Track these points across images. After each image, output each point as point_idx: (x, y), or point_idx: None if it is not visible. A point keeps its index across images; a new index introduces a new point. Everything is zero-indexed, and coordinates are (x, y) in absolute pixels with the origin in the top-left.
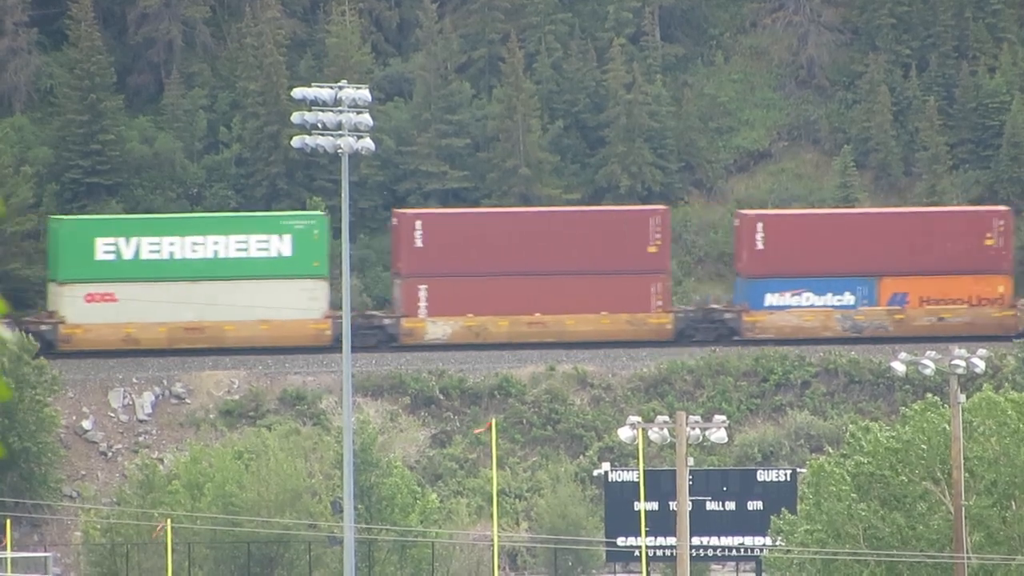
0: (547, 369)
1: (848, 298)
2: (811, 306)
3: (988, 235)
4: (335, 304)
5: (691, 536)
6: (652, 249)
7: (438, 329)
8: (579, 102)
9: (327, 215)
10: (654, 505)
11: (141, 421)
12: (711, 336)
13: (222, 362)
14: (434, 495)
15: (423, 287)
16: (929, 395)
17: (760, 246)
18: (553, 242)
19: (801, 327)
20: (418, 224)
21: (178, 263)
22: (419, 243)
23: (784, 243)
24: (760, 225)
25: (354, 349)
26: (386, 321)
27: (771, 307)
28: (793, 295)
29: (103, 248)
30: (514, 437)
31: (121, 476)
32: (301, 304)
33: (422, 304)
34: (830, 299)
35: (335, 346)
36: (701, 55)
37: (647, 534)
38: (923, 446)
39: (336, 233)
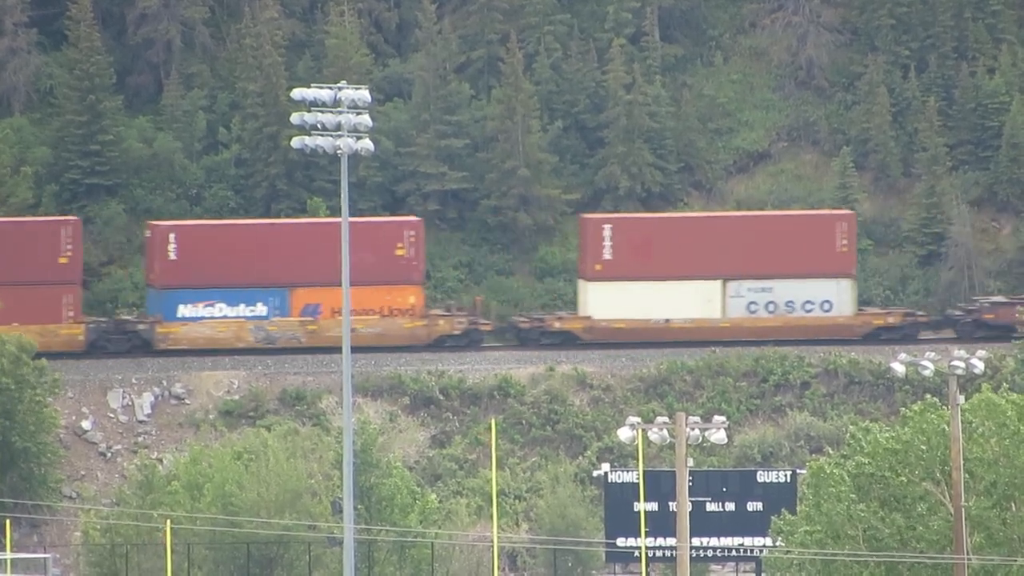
0: (546, 370)
1: (261, 309)
2: (224, 317)
3: (399, 245)
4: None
5: (691, 537)
6: (63, 260)
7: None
8: (578, 103)
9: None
10: (654, 506)
11: (140, 421)
12: (124, 347)
13: (221, 362)
14: (434, 495)
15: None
16: (928, 396)
17: (173, 256)
18: None
19: (215, 338)
20: (171, 236)
21: None
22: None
23: (197, 254)
24: (173, 236)
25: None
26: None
27: (184, 318)
28: (206, 306)
29: None
30: (513, 438)
31: (121, 477)
32: None
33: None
34: (243, 310)
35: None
36: (700, 56)
37: (647, 535)
38: (923, 447)
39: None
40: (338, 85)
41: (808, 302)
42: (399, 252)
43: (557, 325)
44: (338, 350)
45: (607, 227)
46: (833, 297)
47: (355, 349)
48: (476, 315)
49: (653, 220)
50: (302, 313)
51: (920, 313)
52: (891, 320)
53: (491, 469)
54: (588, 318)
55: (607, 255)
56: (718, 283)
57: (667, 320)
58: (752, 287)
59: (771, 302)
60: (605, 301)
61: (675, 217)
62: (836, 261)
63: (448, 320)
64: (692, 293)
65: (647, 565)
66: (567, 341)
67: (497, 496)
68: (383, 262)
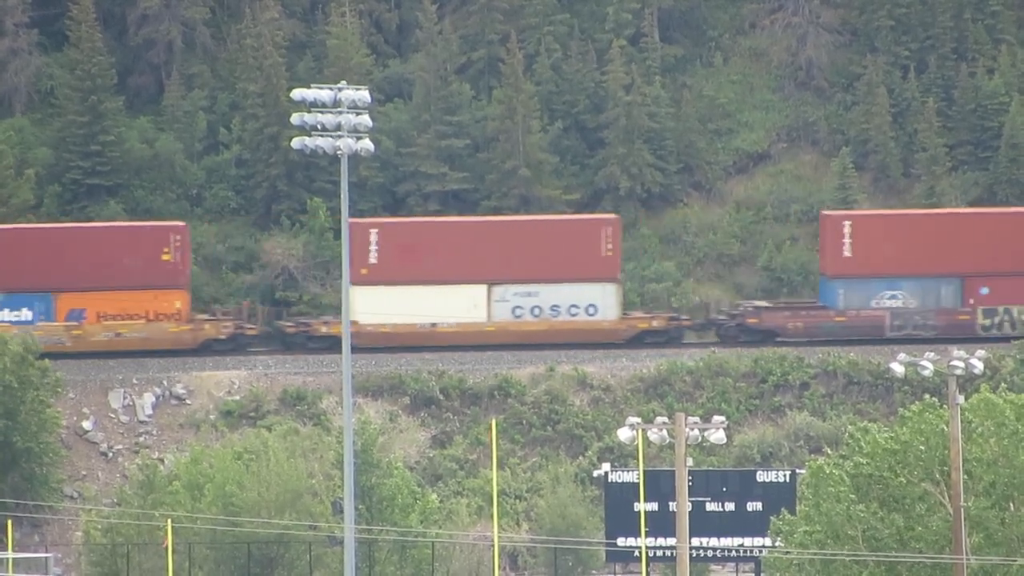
0: (547, 370)
1: (26, 314)
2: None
3: (165, 250)
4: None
5: (691, 537)
6: None
7: None
8: (578, 103)
9: None
10: (654, 506)
11: (142, 422)
12: None
13: (222, 363)
14: (434, 495)
15: None
16: (927, 396)
17: None
18: None
19: None
20: None
21: None
22: None
23: None
24: None
25: None
26: None
27: None
28: None
29: None
30: (514, 438)
31: (122, 476)
32: None
33: None
34: (7, 315)
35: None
36: (700, 56)
37: (647, 535)
38: (922, 447)
39: (337, 234)
40: (338, 86)
41: (573, 306)
42: (165, 257)
43: (323, 330)
44: (105, 355)
45: (374, 231)
46: (598, 301)
47: (121, 354)
48: (243, 319)
49: (419, 224)
50: (67, 318)
51: (684, 317)
52: (655, 324)
53: (492, 469)
54: (354, 323)
55: (373, 259)
56: (483, 288)
57: (433, 325)
58: (517, 291)
59: (536, 306)
60: (371, 305)
61: (441, 221)
62: (601, 266)
63: (214, 324)
64: (458, 298)
65: (647, 565)
66: (335, 346)
67: (498, 496)
68: (149, 267)
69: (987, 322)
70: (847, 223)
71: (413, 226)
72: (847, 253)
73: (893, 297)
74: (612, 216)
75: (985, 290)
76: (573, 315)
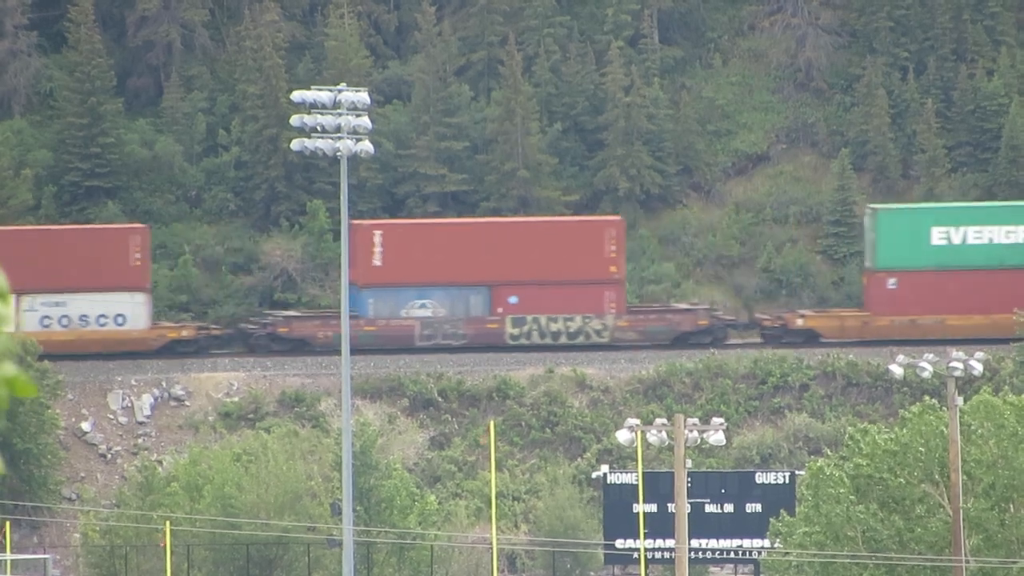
0: (546, 371)
1: None
2: None
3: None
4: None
5: (690, 538)
6: None
7: None
8: (578, 105)
9: None
10: (653, 507)
11: (140, 423)
12: None
13: (221, 364)
14: (433, 497)
15: None
16: (927, 397)
17: None
18: None
19: None
20: None
21: None
22: None
23: None
24: None
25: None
26: None
27: None
28: None
29: None
30: (512, 439)
31: (120, 478)
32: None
33: None
34: None
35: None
36: (699, 58)
37: (646, 536)
38: (921, 449)
39: (337, 236)
40: (338, 87)
41: (102, 316)
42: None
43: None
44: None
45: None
46: (127, 311)
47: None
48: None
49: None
50: None
51: (214, 327)
52: (185, 333)
53: (490, 471)
54: None
55: None
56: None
57: None
58: (45, 301)
59: (65, 316)
60: None
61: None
62: (129, 275)
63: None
64: None
65: (646, 567)
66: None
67: (496, 498)
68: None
69: (516, 331)
70: (377, 232)
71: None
72: (377, 262)
73: (423, 306)
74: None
75: (514, 299)
76: (102, 325)
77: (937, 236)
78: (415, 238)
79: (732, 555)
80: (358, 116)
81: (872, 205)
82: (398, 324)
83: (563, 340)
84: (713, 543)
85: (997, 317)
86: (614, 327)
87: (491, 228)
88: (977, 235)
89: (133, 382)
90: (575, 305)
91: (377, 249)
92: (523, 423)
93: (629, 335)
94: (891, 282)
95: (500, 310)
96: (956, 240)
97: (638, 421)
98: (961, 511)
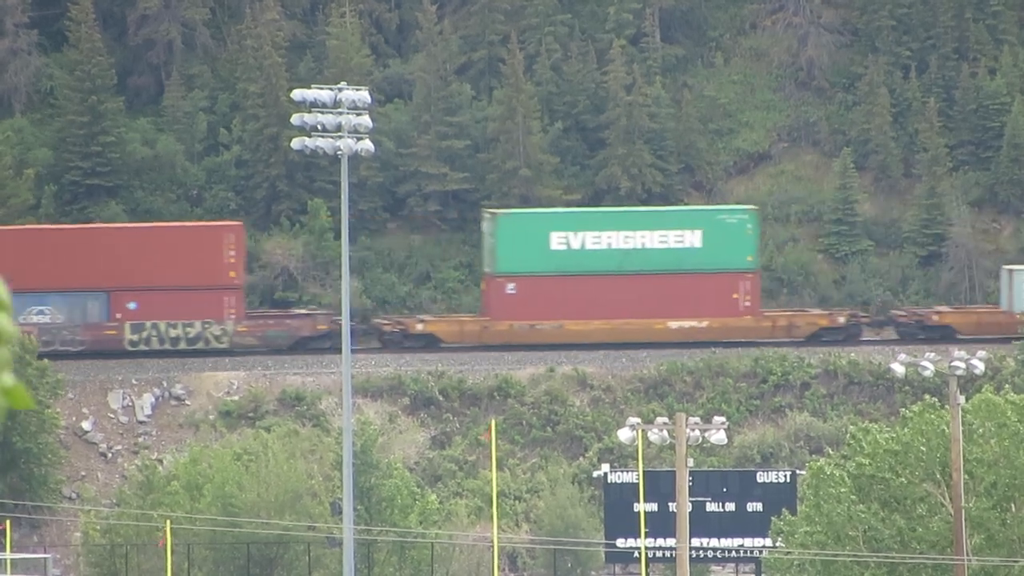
0: (547, 370)
1: None
2: None
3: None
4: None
5: (691, 537)
6: None
7: None
8: (579, 103)
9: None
10: (653, 506)
11: (141, 422)
12: None
13: (221, 363)
14: (434, 496)
15: None
16: (928, 397)
17: None
18: None
19: None
20: None
21: None
22: None
23: None
24: None
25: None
26: None
27: None
28: None
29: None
30: (513, 438)
31: (121, 477)
32: None
33: None
34: None
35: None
36: (701, 56)
37: (646, 535)
38: (922, 448)
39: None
40: (339, 86)
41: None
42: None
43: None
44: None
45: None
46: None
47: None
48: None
49: None
50: None
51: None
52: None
53: (491, 470)
54: None
55: None
56: None
57: None
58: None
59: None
60: None
61: None
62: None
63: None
64: None
65: (647, 566)
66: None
67: (497, 497)
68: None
69: (135, 337)
70: None
71: None
72: None
73: (41, 312)
74: None
75: (133, 305)
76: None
77: (556, 241)
78: (31, 243)
79: (733, 554)
80: (359, 115)
81: (491, 210)
82: (19, 329)
83: (183, 346)
84: (714, 542)
85: (617, 322)
86: (234, 332)
87: (109, 234)
88: (595, 240)
89: (133, 381)
90: (195, 311)
91: None
92: (524, 422)
93: (248, 340)
94: (510, 287)
95: (119, 316)
96: (575, 245)
97: (639, 420)
98: (963, 510)
